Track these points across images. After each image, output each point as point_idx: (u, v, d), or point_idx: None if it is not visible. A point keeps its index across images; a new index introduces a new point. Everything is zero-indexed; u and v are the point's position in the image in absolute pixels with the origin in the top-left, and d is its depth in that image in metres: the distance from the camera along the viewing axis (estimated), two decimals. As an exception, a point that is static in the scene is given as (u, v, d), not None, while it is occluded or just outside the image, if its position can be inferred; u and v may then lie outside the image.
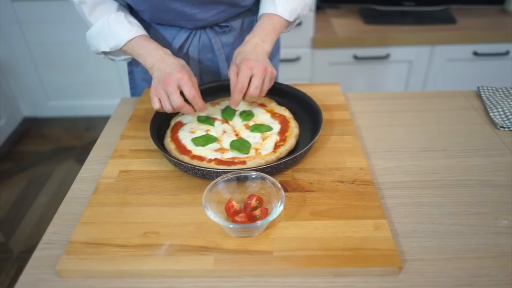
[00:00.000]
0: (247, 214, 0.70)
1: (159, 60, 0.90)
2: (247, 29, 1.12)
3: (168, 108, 0.85)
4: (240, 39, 1.12)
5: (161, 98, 0.85)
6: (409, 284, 0.61)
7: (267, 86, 0.89)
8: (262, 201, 0.72)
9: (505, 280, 0.61)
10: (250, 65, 0.86)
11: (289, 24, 1.04)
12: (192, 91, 0.85)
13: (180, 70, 0.86)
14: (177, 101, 0.84)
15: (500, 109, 0.99)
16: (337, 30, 2.20)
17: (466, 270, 0.63)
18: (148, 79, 1.18)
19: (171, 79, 0.85)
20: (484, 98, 1.05)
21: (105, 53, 1.00)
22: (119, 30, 0.94)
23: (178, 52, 1.08)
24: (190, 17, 1.01)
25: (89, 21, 0.98)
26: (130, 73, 1.22)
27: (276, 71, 0.92)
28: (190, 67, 1.09)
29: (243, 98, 0.89)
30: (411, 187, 0.79)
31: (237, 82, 0.86)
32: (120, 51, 0.98)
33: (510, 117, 0.96)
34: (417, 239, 0.68)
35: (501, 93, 1.08)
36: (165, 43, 1.08)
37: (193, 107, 0.87)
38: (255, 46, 0.93)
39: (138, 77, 1.20)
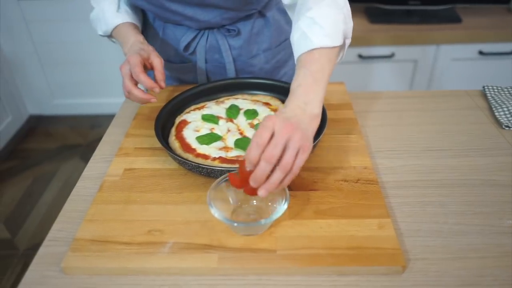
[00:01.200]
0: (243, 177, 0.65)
1: (128, 47, 0.93)
2: (258, 33, 1.11)
3: (126, 95, 0.89)
4: (249, 42, 1.11)
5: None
6: (412, 283, 0.61)
7: (298, 164, 0.63)
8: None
9: (508, 280, 0.61)
10: (287, 132, 0.62)
11: (340, 49, 0.79)
12: (134, 69, 0.85)
13: (131, 55, 0.87)
14: (126, 85, 0.87)
15: (505, 109, 0.98)
16: (342, 29, 2.19)
17: (469, 270, 0.63)
18: (151, 77, 1.17)
19: (124, 64, 0.88)
20: (489, 97, 1.05)
21: (106, 37, 1.04)
22: (108, 15, 0.99)
23: (185, 51, 1.09)
24: (192, 18, 1.01)
25: (91, 5, 1.03)
26: None
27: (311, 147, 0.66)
28: (197, 67, 1.09)
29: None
30: (415, 186, 0.79)
31: (262, 162, 0.61)
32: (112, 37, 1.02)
33: (515, 116, 0.96)
34: (421, 238, 0.68)
35: (506, 92, 1.07)
36: (174, 41, 1.09)
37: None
38: (296, 108, 0.68)
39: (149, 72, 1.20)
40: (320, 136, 0.83)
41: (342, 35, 0.76)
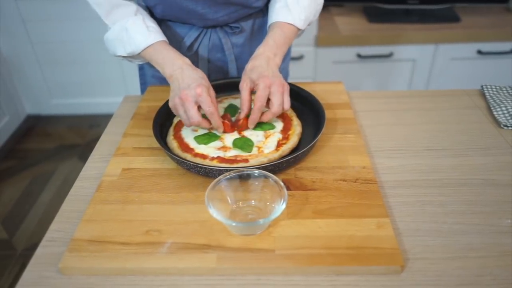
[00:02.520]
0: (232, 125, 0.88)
1: (177, 71, 0.87)
2: (258, 30, 1.12)
3: (186, 124, 0.84)
4: (250, 40, 1.11)
5: (178, 112, 0.84)
6: (411, 283, 0.61)
7: (287, 101, 0.86)
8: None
9: (508, 279, 0.61)
10: (268, 83, 0.84)
11: (300, 32, 1.02)
12: (211, 107, 0.81)
13: (199, 85, 0.82)
14: (195, 117, 0.81)
15: (504, 108, 0.98)
16: (340, 29, 2.19)
17: (469, 269, 0.63)
18: (158, 77, 1.18)
19: (189, 94, 0.81)
20: (488, 97, 1.05)
21: (123, 56, 0.98)
22: (136, 36, 0.91)
23: (188, 51, 1.09)
24: (201, 16, 1.01)
25: (106, 23, 0.95)
26: (141, 69, 1.22)
27: (288, 85, 0.88)
28: (199, 66, 1.09)
29: (261, 118, 0.87)
30: (414, 186, 0.79)
31: (256, 101, 0.84)
32: (138, 56, 0.96)
33: (514, 116, 0.96)
34: (420, 238, 0.68)
35: (505, 92, 1.07)
36: (175, 41, 1.08)
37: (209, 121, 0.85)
38: (268, 60, 0.89)
39: (148, 73, 1.20)
40: (319, 136, 0.83)
41: (308, 22, 1.01)
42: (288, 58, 1.26)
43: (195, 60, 1.11)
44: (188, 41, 1.07)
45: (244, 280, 0.63)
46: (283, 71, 1.26)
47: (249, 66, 0.89)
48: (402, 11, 2.29)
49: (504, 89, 1.08)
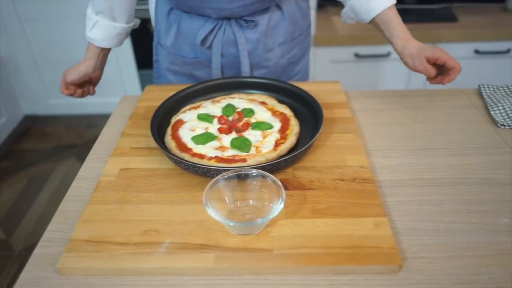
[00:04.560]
0: (230, 126, 0.89)
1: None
2: (274, 27, 1.12)
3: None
4: (265, 36, 1.11)
5: None
6: (409, 282, 0.61)
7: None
8: (241, 115, 0.92)
9: (505, 278, 0.61)
10: (439, 50, 0.96)
11: None
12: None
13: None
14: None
15: (501, 107, 0.98)
16: (338, 28, 2.19)
17: (466, 268, 0.63)
18: (172, 70, 1.20)
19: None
20: (485, 96, 1.05)
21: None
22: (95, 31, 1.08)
23: (202, 44, 1.10)
24: (216, 5, 1.02)
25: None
26: (156, 61, 1.24)
27: None
28: (212, 60, 1.13)
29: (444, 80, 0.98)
30: (412, 185, 0.79)
31: (454, 63, 0.94)
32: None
33: (511, 115, 0.96)
34: (417, 237, 0.68)
35: (502, 91, 1.07)
36: (189, 35, 1.11)
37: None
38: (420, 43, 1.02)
39: (163, 66, 1.22)
40: (316, 135, 0.83)
41: None
42: (307, 58, 1.27)
43: (209, 54, 1.12)
44: (202, 33, 1.08)
45: (242, 280, 0.63)
46: (304, 68, 1.27)
47: (415, 48, 1.01)
48: (399, 10, 2.28)
49: (501, 88, 1.09)
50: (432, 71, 0.97)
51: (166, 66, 1.21)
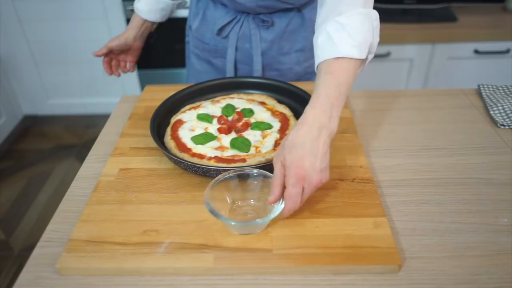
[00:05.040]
0: (230, 126, 0.89)
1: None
2: (292, 32, 1.10)
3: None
4: (281, 38, 1.11)
5: None
6: (408, 282, 0.61)
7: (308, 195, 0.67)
8: (241, 115, 0.92)
9: (504, 278, 0.61)
10: (300, 176, 0.64)
11: (362, 63, 0.76)
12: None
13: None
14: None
15: (500, 107, 0.98)
16: (337, 28, 2.19)
17: (466, 268, 0.63)
18: (195, 53, 1.23)
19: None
20: (485, 96, 1.05)
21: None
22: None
23: (218, 34, 1.13)
24: None
25: None
26: (187, 43, 1.28)
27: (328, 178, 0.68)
28: (228, 51, 1.15)
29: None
30: (411, 185, 0.79)
31: (286, 200, 0.65)
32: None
33: (510, 115, 0.96)
34: (417, 237, 0.68)
35: (501, 91, 1.07)
36: (211, 23, 1.14)
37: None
38: (319, 133, 0.66)
39: (191, 48, 1.25)
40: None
41: (368, 47, 0.73)
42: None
43: (225, 45, 1.14)
44: (220, 23, 1.10)
45: (242, 280, 0.63)
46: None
47: (289, 139, 0.67)
48: (399, 10, 2.29)
49: (500, 88, 1.09)
50: (278, 175, 0.67)
51: (192, 49, 1.25)
